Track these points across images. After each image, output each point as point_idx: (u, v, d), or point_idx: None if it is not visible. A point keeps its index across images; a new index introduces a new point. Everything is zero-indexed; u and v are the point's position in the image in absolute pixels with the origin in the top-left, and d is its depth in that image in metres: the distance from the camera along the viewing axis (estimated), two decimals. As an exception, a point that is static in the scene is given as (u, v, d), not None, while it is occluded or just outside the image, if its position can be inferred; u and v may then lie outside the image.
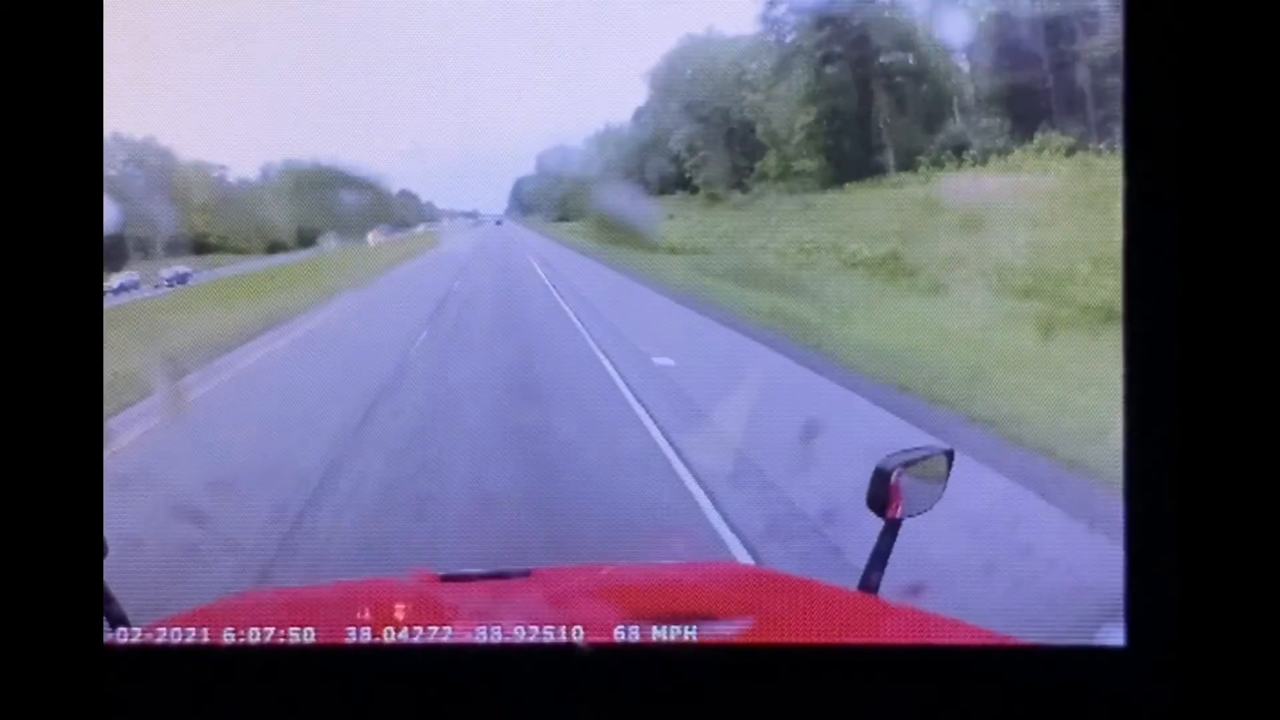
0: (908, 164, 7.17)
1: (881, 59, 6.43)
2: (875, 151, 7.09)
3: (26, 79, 1.44)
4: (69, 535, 1.37)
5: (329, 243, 8.36)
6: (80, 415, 1.41)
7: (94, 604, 1.41)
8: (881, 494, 1.65)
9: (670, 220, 8.55)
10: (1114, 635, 1.65)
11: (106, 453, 1.46)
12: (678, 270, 8.33)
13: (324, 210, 8.45)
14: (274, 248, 8.68)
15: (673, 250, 8.32)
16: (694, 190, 8.28)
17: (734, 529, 2.71)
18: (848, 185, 7.32)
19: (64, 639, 1.35)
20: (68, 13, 1.44)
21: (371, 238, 9.29)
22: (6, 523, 1.37)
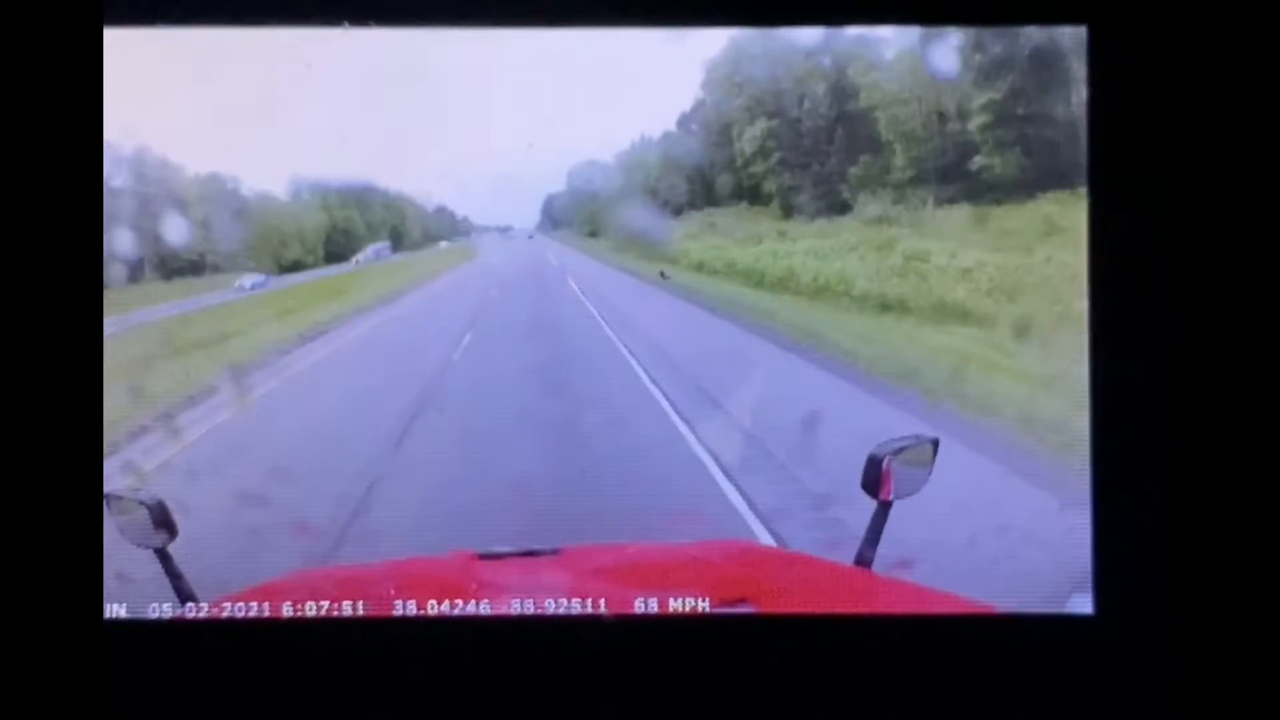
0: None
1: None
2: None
3: (26, 84, 1.48)
4: (70, 520, 1.40)
5: (246, 281, 6.45)
6: (81, 408, 1.44)
7: (93, 587, 1.43)
8: (874, 478, 1.81)
9: (783, 240, 5.87)
10: (1083, 604, 1.81)
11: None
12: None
13: (354, 226, 7.53)
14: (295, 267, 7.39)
15: (885, 307, 4.63)
16: (762, 200, 6.16)
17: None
18: (1041, 195, 4.72)
19: (63, 621, 1.38)
20: (68, 18, 1.47)
21: (357, 259, 7.56)
22: (7, 513, 1.41)
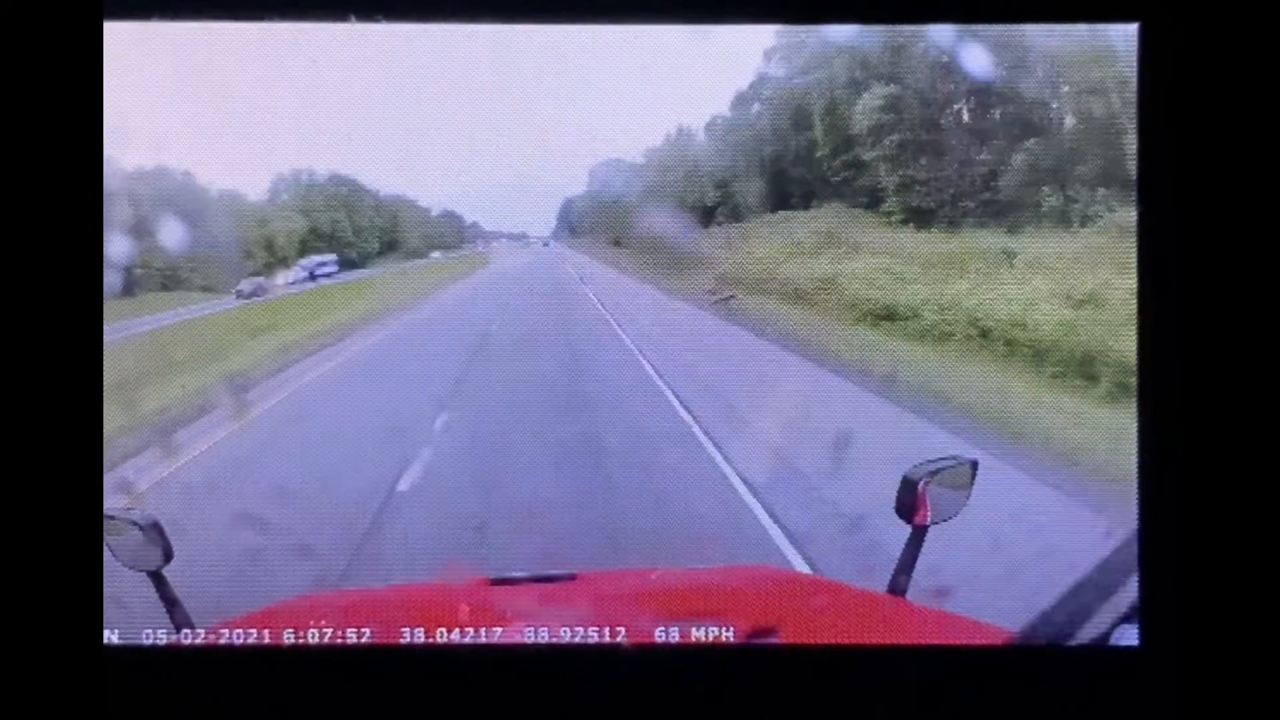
0: None
1: None
2: None
3: (27, 87, 1.47)
4: (69, 540, 1.39)
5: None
6: (81, 419, 1.43)
7: (93, 608, 1.42)
8: (909, 502, 1.74)
9: (1036, 269, 3.67)
10: (1129, 636, 1.73)
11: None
12: None
13: (340, 230, 6.56)
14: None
15: None
16: (860, 198, 4.26)
17: None
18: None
19: (62, 643, 1.37)
20: (69, 21, 1.47)
21: (241, 289, 5.10)
22: (7, 526, 1.40)
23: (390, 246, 6.64)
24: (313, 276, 5.35)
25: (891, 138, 4.13)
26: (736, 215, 4.50)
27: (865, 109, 4.09)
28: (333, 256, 5.47)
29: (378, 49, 1.90)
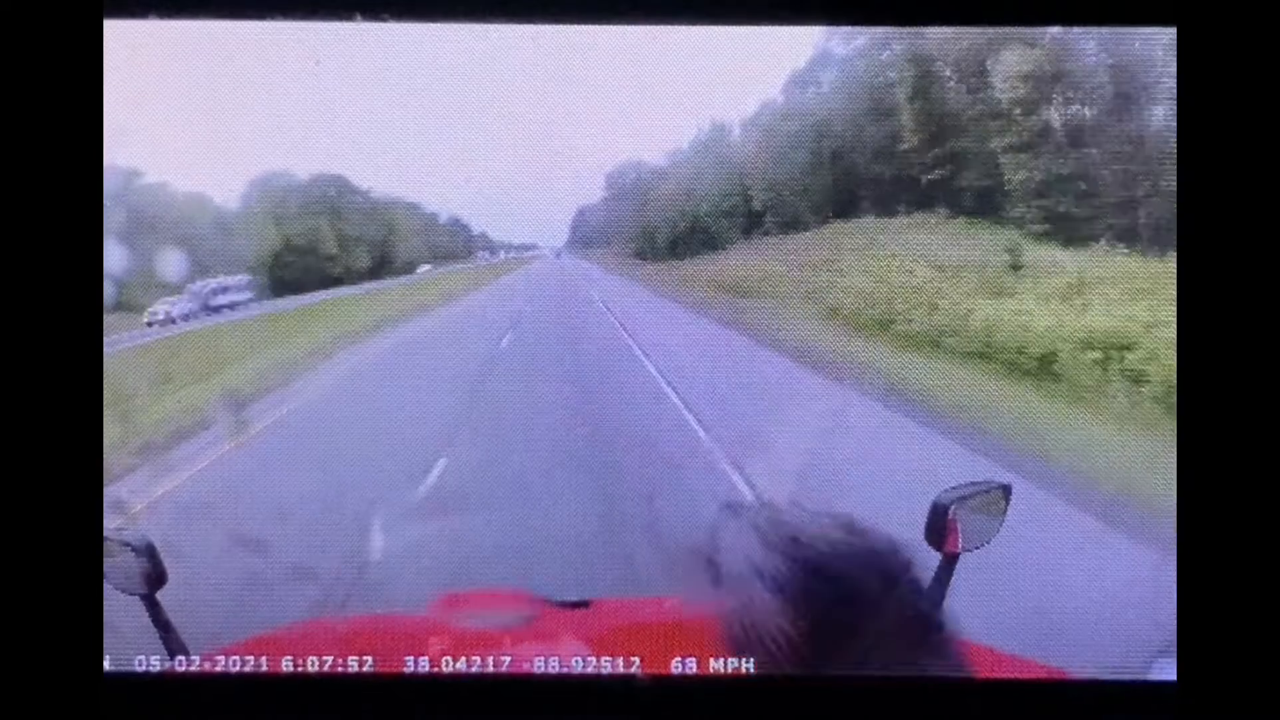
0: None
1: None
2: None
3: (27, 86, 1.43)
4: (68, 560, 1.35)
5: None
6: (80, 436, 1.39)
7: (93, 633, 1.37)
8: (939, 528, 1.66)
9: None
10: (1166, 671, 1.66)
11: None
12: None
13: (321, 240, 5.85)
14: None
15: None
16: (971, 206, 3.23)
17: None
18: None
19: (62, 668, 1.33)
20: (69, 27, 1.43)
21: None
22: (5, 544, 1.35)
23: (383, 260, 6.03)
24: (207, 308, 4.00)
25: (1033, 118, 3.04)
26: (795, 222, 3.61)
27: (1006, 76, 3.07)
28: (242, 278, 4.20)
29: (382, 48, 1.82)
